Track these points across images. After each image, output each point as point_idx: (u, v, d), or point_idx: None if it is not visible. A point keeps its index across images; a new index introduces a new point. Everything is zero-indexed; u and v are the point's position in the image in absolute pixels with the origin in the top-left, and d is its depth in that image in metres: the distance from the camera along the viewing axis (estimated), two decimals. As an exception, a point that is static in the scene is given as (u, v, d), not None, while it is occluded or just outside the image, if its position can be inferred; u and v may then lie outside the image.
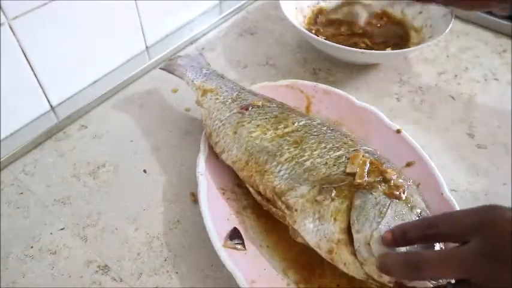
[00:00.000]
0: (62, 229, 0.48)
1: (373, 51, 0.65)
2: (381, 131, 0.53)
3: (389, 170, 0.43)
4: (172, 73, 0.61)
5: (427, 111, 0.62)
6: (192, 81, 0.58)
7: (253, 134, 0.48)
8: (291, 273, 0.43)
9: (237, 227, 0.45)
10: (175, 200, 0.51)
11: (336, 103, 0.57)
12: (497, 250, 0.28)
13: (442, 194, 0.46)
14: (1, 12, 0.49)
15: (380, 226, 0.38)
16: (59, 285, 0.44)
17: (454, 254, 0.30)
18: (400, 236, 0.35)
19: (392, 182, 0.42)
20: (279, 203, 0.43)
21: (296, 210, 0.42)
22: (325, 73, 0.68)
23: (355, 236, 0.38)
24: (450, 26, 0.63)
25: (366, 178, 0.42)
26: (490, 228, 0.29)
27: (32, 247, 0.47)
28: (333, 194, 0.41)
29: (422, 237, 0.34)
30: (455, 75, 0.68)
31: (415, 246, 0.36)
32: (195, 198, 0.51)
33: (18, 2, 0.50)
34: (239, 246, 0.43)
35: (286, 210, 0.43)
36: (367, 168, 0.42)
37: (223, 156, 0.50)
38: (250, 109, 0.51)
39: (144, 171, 0.54)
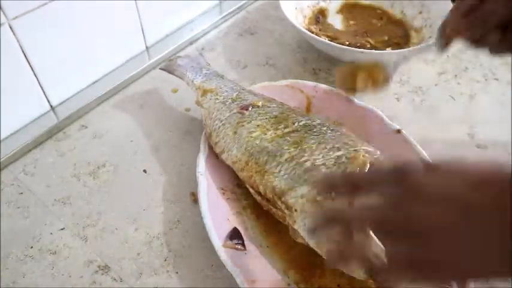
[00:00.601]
0: (62, 229, 0.48)
1: (373, 51, 0.65)
2: (381, 131, 0.53)
3: None
4: (172, 73, 0.61)
5: (427, 111, 0.62)
6: (192, 81, 0.58)
7: (253, 134, 0.48)
8: (291, 273, 0.43)
9: (237, 227, 0.45)
10: (175, 200, 0.51)
11: (336, 103, 0.57)
12: (398, 199, 0.30)
13: (442, 194, 0.46)
14: (1, 12, 0.49)
15: None
16: (59, 285, 0.44)
17: (365, 202, 0.32)
18: (324, 184, 0.37)
19: None
20: (279, 203, 0.43)
21: (296, 210, 0.42)
22: (325, 73, 0.68)
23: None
24: (450, 26, 0.63)
25: None
26: (395, 180, 0.31)
27: (32, 247, 0.47)
28: (333, 195, 0.41)
29: (343, 189, 0.34)
30: (455, 75, 0.68)
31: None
32: (195, 198, 0.51)
33: (18, 2, 0.50)
34: (239, 246, 0.43)
35: (286, 211, 0.43)
36: (367, 169, 0.42)
37: (223, 157, 0.50)
38: (250, 109, 0.51)
39: (144, 171, 0.54)
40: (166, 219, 0.49)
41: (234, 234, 0.43)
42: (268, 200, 0.45)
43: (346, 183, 0.34)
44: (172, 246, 0.47)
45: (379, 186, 0.32)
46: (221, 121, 0.51)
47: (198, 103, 0.56)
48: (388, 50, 0.66)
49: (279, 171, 0.45)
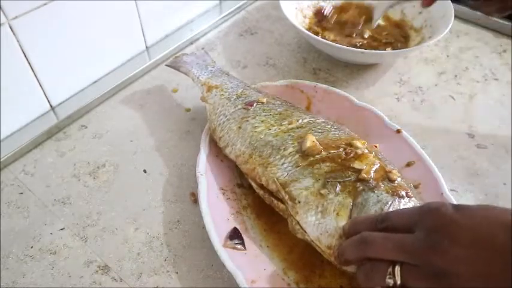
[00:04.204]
0: (62, 229, 0.48)
1: (373, 51, 0.65)
2: (380, 131, 0.53)
3: (394, 171, 0.43)
4: (178, 70, 0.61)
5: (427, 111, 0.62)
6: (198, 77, 0.58)
7: (258, 129, 0.49)
8: (291, 273, 0.43)
9: (237, 227, 0.44)
10: (175, 200, 0.51)
11: (336, 103, 0.57)
12: (430, 239, 0.30)
13: (442, 194, 0.46)
14: (1, 12, 0.49)
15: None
16: (59, 285, 0.44)
17: (398, 238, 0.32)
18: (351, 228, 0.37)
19: (396, 182, 0.42)
20: (282, 193, 0.43)
21: (299, 202, 0.42)
22: (325, 73, 0.68)
23: None
24: (450, 26, 0.63)
25: (372, 175, 0.42)
26: (426, 221, 0.31)
27: (32, 247, 0.47)
28: (337, 189, 0.41)
29: (374, 230, 0.35)
30: (455, 75, 0.68)
31: None
32: (195, 198, 0.51)
33: (18, 2, 0.50)
34: (239, 246, 0.43)
35: (289, 201, 0.42)
36: (374, 168, 0.43)
37: (227, 151, 0.50)
38: (255, 105, 0.51)
39: (144, 171, 0.54)
40: (166, 219, 0.49)
41: (234, 234, 0.43)
42: (270, 193, 0.45)
43: (375, 225, 0.35)
44: (172, 246, 0.47)
45: (410, 226, 0.32)
46: (226, 116, 0.52)
47: (203, 99, 0.56)
48: (388, 50, 0.66)
49: (283, 163, 0.45)
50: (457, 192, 0.52)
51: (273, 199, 0.45)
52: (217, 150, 0.52)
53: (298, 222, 0.42)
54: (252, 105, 0.51)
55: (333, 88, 0.58)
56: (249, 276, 0.40)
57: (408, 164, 0.50)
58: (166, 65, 0.63)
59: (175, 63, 0.62)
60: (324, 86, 0.59)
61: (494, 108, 0.63)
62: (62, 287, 0.44)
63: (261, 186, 0.46)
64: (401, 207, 0.39)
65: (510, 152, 0.56)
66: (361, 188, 0.41)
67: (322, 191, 0.41)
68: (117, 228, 0.48)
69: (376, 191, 0.40)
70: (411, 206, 0.40)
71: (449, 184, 0.52)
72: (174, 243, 0.47)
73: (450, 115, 0.62)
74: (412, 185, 0.45)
